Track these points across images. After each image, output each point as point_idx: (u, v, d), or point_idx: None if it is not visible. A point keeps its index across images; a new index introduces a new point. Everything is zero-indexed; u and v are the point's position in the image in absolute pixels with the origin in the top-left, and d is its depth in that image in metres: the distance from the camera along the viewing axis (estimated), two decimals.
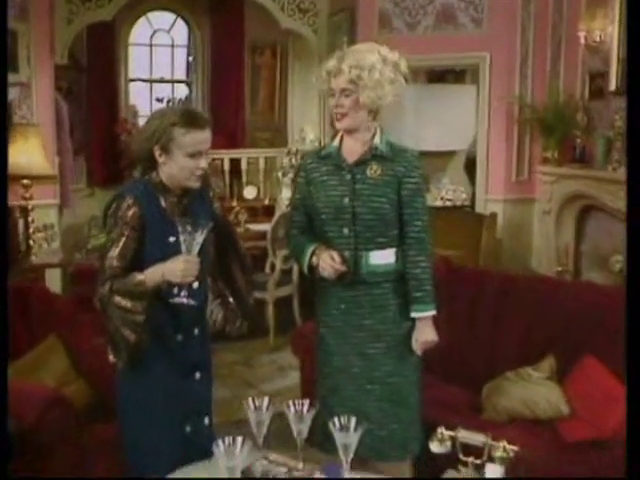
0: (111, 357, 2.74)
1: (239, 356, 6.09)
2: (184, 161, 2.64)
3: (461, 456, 2.31)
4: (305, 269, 3.09)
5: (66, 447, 3.31)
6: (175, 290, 2.66)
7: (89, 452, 3.41)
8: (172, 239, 2.66)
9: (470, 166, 8.01)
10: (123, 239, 2.63)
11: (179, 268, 2.57)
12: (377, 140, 3.01)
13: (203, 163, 2.68)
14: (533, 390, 3.64)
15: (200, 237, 2.56)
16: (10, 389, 3.39)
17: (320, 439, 2.92)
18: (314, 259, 3.02)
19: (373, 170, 2.99)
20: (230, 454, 2.30)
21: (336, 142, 3.09)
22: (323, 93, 3.10)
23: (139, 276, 2.60)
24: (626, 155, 4.69)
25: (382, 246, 3.01)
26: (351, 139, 3.04)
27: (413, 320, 3.06)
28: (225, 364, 5.75)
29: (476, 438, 2.31)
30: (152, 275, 2.61)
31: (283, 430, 2.99)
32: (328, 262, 2.95)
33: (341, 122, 3.01)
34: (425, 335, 3.06)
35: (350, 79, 2.90)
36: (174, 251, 2.62)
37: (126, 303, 2.59)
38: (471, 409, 3.72)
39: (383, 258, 3.02)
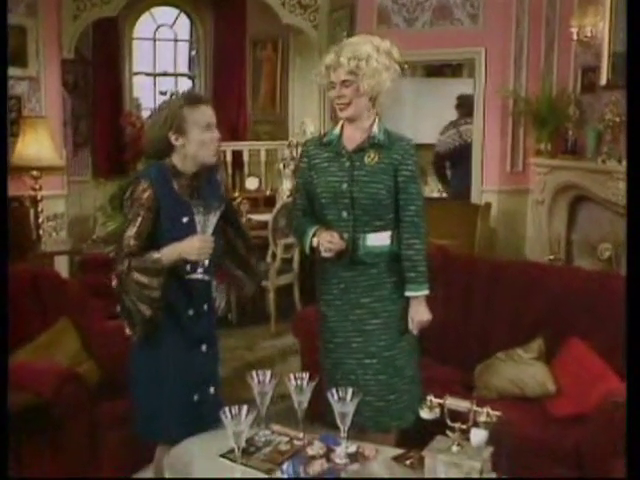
0: (127, 330, 2.91)
1: (241, 341, 6.22)
2: (201, 135, 2.84)
3: (449, 422, 2.46)
4: (307, 249, 3.24)
5: (79, 421, 3.50)
6: (188, 267, 2.85)
7: (99, 427, 3.59)
8: (185, 220, 2.85)
9: (438, 163, 7.84)
10: (139, 220, 2.81)
11: (195, 247, 2.76)
12: (375, 129, 3.16)
13: (217, 134, 2.90)
14: (522, 370, 3.79)
15: (214, 218, 2.75)
16: (27, 367, 3.60)
17: (322, 411, 3.10)
18: (315, 240, 3.16)
19: (371, 158, 3.13)
20: (236, 420, 2.49)
21: (337, 130, 3.23)
22: (324, 87, 3.25)
23: (156, 254, 2.78)
24: (627, 148, 4.79)
25: (378, 229, 3.15)
26: (351, 127, 3.19)
27: (408, 298, 3.21)
28: (227, 349, 5.82)
29: (462, 404, 2.46)
30: (168, 253, 2.80)
31: (285, 410, 3.20)
32: (327, 240, 3.09)
33: (344, 111, 3.15)
34: (419, 315, 3.21)
35: (349, 70, 3.05)
36: (187, 231, 2.80)
37: (143, 279, 2.77)
38: (464, 387, 3.86)
39: (379, 240, 3.16)
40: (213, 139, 2.88)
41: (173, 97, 3.09)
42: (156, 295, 2.79)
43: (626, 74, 4.44)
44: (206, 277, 2.87)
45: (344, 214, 3.13)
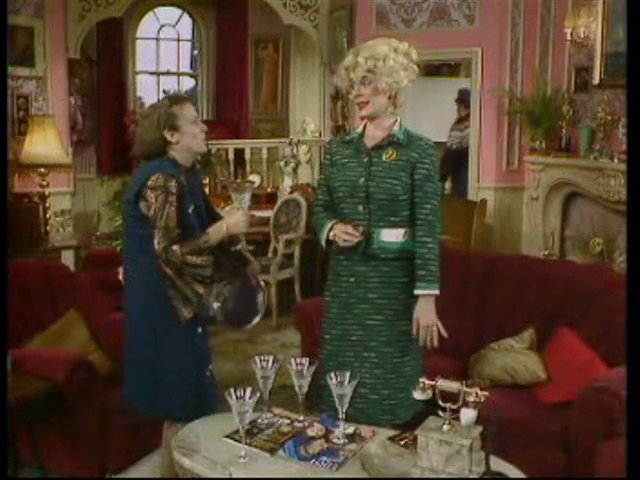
0: (183, 312, 3.08)
1: (243, 335, 6.28)
2: (192, 128, 3.13)
3: (440, 402, 2.60)
4: (323, 242, 3.31)
5: (91, 407, 3.62)
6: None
7: (109, 413, 3.70)
8: (191, 209, 3.07)
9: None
10: (173, 208, 2.99)
11: (242, 220, 3.10)
12: (396, 128, 3.24)
13: (204, 127, 3.20)
14: (514, 359, 3.90)
15: (247, 195, 3.10)
16: (39, 353, 3.73)
17: (320, 399, 3.24)
18: (331, 234, 3.24)
19: (389, 155, 3.20)
20: (241, 401, 2.64)
21: (360, 129, 3.33)
22: (345, 89, 3.32)
23: (205, 236, 3.04)
24: (627, 146, 4.85)
25: (393, 225, 3.20)
26: (373, 126, 3.27)
27: (416, 299, 3.18)
28: (230, 342, 6.01)
29: (452, 386, 2.59)
30: (215, 232, 3.08)
31: (285, 401, 3.33)
32: (343, 231, 3.17)
33: (363, 110, 3.24)
34: (425, 318, 3.17)
35: (367, 69, 3.15)
36: (191, 220, 3.05)
37: (197, 260, 3.00)
38: (458, 376, 3.97)
39: (393, 236, 3.19)
40: (202, 130, 3.17)
41: (156, 102, 3.33)
42: (209, 273, 3.04)
43: (627, 73, 4.55)
44: (250, 247, 3.19)
45: (360, 208, 3.19)
